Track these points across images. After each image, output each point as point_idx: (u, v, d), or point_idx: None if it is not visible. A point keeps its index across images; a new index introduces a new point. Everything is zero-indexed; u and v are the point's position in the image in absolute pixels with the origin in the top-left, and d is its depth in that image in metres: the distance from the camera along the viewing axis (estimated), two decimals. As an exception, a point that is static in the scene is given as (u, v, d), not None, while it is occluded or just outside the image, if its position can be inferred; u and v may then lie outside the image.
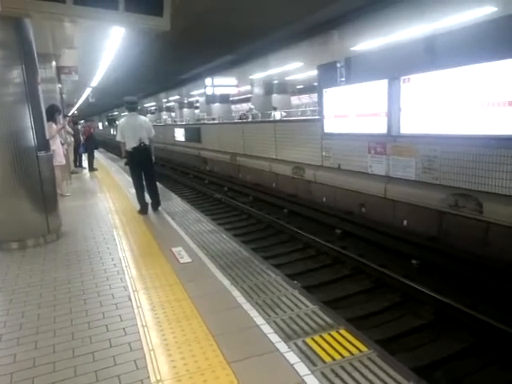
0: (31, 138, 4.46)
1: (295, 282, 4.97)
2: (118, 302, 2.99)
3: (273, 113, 15.45)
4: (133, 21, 4.19)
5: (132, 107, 5.75)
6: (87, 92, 18.60)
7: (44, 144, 4.67)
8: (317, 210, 7.85)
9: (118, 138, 5.66)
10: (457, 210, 5.26)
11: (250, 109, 17.82)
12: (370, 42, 9.54)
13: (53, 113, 7.28)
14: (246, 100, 23.18)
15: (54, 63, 9.33)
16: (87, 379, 2.10)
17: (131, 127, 5.57)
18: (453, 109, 5.37)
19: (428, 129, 5.75)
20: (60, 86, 11.19)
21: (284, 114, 15.63)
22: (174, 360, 2.21)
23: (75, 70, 10.32)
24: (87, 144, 12.16)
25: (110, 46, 8.78)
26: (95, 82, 15.14)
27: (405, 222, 6.22)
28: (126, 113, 5.98)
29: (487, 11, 7.22)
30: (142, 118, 5.88)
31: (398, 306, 4.39)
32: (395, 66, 6.55)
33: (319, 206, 8.03)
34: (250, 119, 16.01)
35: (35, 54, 4.57)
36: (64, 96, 14.34)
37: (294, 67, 14.52)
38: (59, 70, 10.05)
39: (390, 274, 4.84)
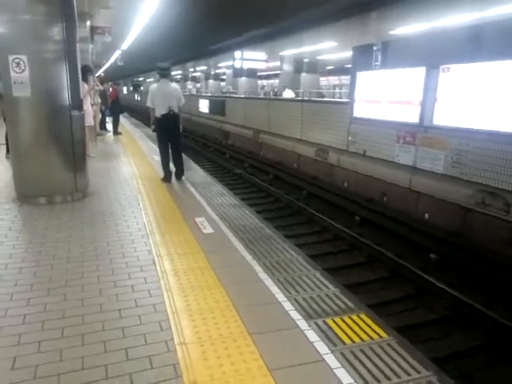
0: (66, 96, 4.50)
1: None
2: (143, 264, 3.07)
3: (284, 92, 15.20)
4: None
5: (164, 73, 5.72)
6: (116, 54, 18.54)
7: (78, 103, 4.72)
8: (337, 194, 7.80)
9: (148, 104, 5.67)
10: (483, 207, 5.17)
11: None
12: (410, 26, 9.19)
13: (85, 73, 7.31)
14: (274, 76, 22.81)
15: (88, 23, 9.30)
16: (115, 334, 2.18)
17: (162, 94, 5.56)
18: (491, 104, 5.20)
19: (462, 122, 5.59)
20: (92, 46, 11.19)
21: (292, 93, 15.24)
22: (196, 325, 2.28)
23: (109, 30, 10.27)
24: (112, 107, 12.19)
25: (145, 9, 8.67)
26: (126, 44, 15.07)
27: (426, 215, 6.14)
28: (151, 79, 5.94)
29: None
30: (173, 85, 5.86)
31: (412, 298, 4.40)
32: (435, 53, 6.33)
33: (340, 191, 7.97)
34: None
35: (75, 12, 4.57)
36: (94, 57, 14.34)
37: (327, 46, 14.15)
38: (93, 29, 10.03)
39: (407, 265, 4.83)
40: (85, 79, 7.19)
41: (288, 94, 14.99)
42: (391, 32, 9.52)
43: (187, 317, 2.36)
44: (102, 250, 3.32)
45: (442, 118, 5.92)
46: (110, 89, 12.57)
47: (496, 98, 5.15)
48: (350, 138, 8.10)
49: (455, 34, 6.66)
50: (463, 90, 5.58)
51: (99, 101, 10.32)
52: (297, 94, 14.13)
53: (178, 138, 5.87)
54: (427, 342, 3.63)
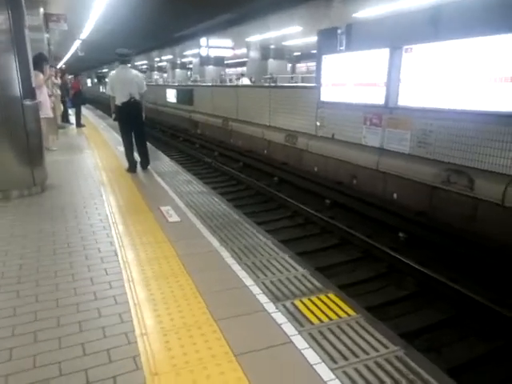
0: (17, 85, 4.23)
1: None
2: (104, 256, 2.93)
3: (241, 79, 15.17)
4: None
5: (124, 59, 5.48)
6: (76, 44, 17.80)
7: (30, 92, 4.45)
8: (308, 179, 7.80)
9: (108, 92, 5.43)
10: (448, 185, 5.26)
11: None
12: (373, 8, 9.21)
13: (40, 61, 6.93)
14: (242, 64, 22.56)
15: (41, 10, 8.81)
16: (70, 329, 2.06)
17: (122, 81, 5.33)
18: (452, 82, 5.26)
19: (426, 102, 5.65)
20: (47, 35, 10.64)
21: (248, 80, 15.36)
22: (160, 315, 2.18)
23: (64, 18, 9.77)
24: (74, 99, 11.72)
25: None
26: (85, 33, 14.46)
27: (395, 196, 6.22)
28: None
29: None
30: (134, 71, 5.63)
31: (384, 277, 4.44)
32: (398, 35, 6.36)
33: (310, 176, 7.97)
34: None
35: (22, -1, 4.28)
36: (52, 47, 13.69)
37: (292, 31, 14.05)
38: (47, 17, 9.51)
39: (377, 245, 4.87)
40: (40, 68, 6.82)
41: (245, 81, 14.92)
42: (354, 15, 9.52)
43: (150, 307, 2.26)
44: (61, 243, 3.15)
45: (407, 98, 5.96)
46: (70, 78, 12.07)
47: (456, 77, 5.22)
48: (318, 123, 8.08)
49: (416, 14, 6.71)
50: (426, 70, 5.62)
51: (59, 92, 9.88)
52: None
53: (141, 126, 5.67)
54: (397, 318, 3.67)
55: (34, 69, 6.55)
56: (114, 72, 5.50)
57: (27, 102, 4.37)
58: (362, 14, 9.55)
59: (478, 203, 4.94)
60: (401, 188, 6.11)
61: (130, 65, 5.65)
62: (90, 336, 2.00)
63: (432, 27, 6.02)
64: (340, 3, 9.08)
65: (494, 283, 4.07)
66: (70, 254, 2.96)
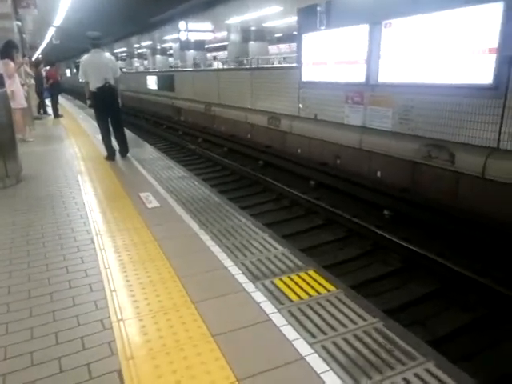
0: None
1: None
2: (80, 244, 2.85)
3: (214, 63, 15.07)
4: None
5: (95, 43, 5.29)
6: (51, 32, 17.23)
7: (-4, 80, 4.27)
8: (292, 161, 7.76)
9: (81, 78, 5.25)
10: (429, 160, 5.27)
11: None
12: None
13: (10, 49, 6.67)
14: (223, 48, 22.19)
15: (9, -5, 8.45)
16: (43, 319, 1.99)
17: (95, 65, 5.16)
18: (432, 56, 5.22)
19: (406, 78, 5.61)
20: (19, 23, 10.24)
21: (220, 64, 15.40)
22: (136, 300, 2.13)
23: (34, 2, 9.39)
24: (51, 89, 11.39)
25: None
26: (59, 20, 13.98)
27: (379, 174, 6.22)
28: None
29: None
30: (107, 55, 5.44)
31: (369, 254, 4.45)
32: (378, 10, 6.25)
33: (294, 158, 7.93)
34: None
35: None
36: (25, 36, 13.22)
37: (272, 11, 13.79)
38: (16, 3, 9.14)
39: (363, 223, 4.87)
40: (9, 56, 6.57)
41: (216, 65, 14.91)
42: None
43: (126, 293, 2.20)
44: (35, 234, 3.06)
45: (387, 75, 5.91)
46: (45, 68, 11.72)
47: (435, 51, 5.17)
48: (300, 103, 8.00)
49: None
50: (405, 45, 5.56)
51: (32, 82, 9.57)
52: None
53: (117, 112, 5.51)
54: (382, 294, 3.69)
55: (3, 57, 6.36)
56: (86, 56, 5.31)
57: (-5, 91, 4.20)
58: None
59: (460, 177, 4.96)
60: (384, 166, 6.11)
61: (101, 49, 5.46)
62: (64, 325, 1.94)
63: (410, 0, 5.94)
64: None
65: (479, 255, 4.11)
66: (44, 244, 2.88)
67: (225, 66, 14.54)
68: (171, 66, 19.21)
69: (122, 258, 2.60)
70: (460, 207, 4.95)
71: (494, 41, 4.44)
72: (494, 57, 4.46)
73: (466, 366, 2.57)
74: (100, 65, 5.17)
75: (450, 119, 5.10)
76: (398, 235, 4.49)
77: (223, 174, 7.93)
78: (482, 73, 4.60)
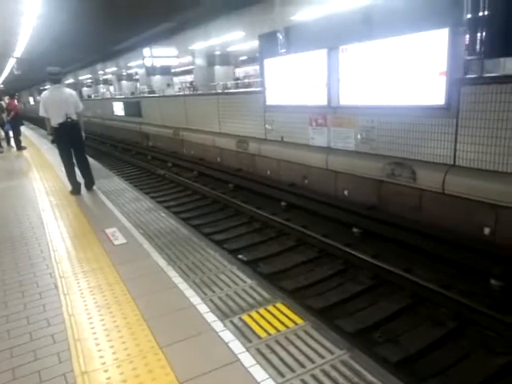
0: None
1: (240, 256, 4.99)
2: (43, 290, 2.76)
3: (167, 90, 15.50)
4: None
5: (55, 79, 5.23)
6: (11, 63, 16.89)
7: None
8: (262, 183, 7.82)
9: (41, 113, 5.16)
10: (393, 178, 5.44)
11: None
12: (309, 10, 9.40)
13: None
14: (189, 72, 22.36)
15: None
16: (2, 378, 1.90)
17: (55, 101, 5.08)
18: (387, 79, 5.45)
19: (365, 100, 5.82)
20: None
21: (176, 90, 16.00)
22: (101, 349, 2.07)
23: (-9, 37, 9.21)
24: (13, 121, 11.10)
25: (29, 11, 7.91)
26: (19, 51, 13.74)
27: (346, 192, 6.36)
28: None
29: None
30: (68, 90, 5.38)
31: (341, 274, 4.50)
32: (335, 35, 6.52)
33: (264, 180, 8.00)
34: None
35: None
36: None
37: (235, 37, 14.09)
38: (-28, 36, 8.94)
39: (333, 243, 4.94)
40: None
41: (169, 91, 15.67)
42: (292, 17, 9.67)
43: (91, 341, 2.14)
44: (-6, 281, 2.94)
45: (347, 97, 6.12)
46: (6, 100, 11.43)
47: (390, 74, 5.41)
48: (267, 126, 8.13)
49: (351, 15, 6.91)
50: (361, 69, 5.80)
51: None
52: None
53: (81, 146, 5.43)
54: (355, 314, 3.73)
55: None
56: (46, 93, 5.23)
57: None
58: (300, 16, 9.73)
59: (422, 193, 5.14)
60: (351, 184, 6.25)
61: (61, 84, 5.40)
62: (25, 382, 1.86)
63: (365, 27, 6.22)
64: (278, 7, 9.18)
65: (443, 268, 4.24)
66: (4, 292, 2.76)
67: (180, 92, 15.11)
68: (141, 92, 19.22)
69: (86, 303, 2.53)
70: (424, 222, 5.11)
71: (443, 64, 4.70)
72: (444, 79, 4.71)
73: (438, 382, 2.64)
74: (61, 100, 5.10)
75: (409, 138, 5.32)
76: (368, 253, 4.58)
77: (194, 198, 7.88)
78: (435, 94, 4.85)
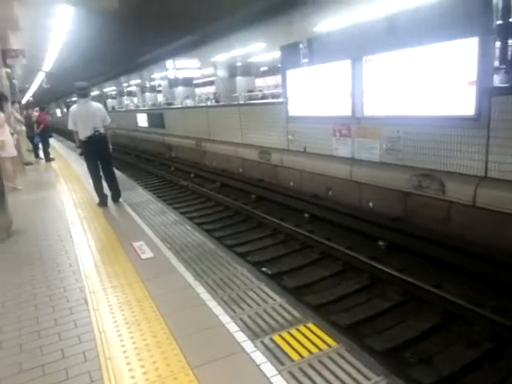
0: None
1: (264, 269, 4.95)
2: (73, 305, 2.78)
3: (184, 101, 15.78)
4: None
5: (83, 93, 5.37)
6: (41, 77, 17.50)
7: (-14, 135, 4.29)
8: (284, 194, 7.78)
9: (70, 127, 5.29)
10: (420, 190, 5.31)
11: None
12: (331, 21, 9.40)
13: (-1, 101, 6.76)
14: (210, 83, 22.64)
15: (-2, 47, 8.64)
16: (35, 397, 1.92)
17: (83, 115, 5.21)
18: (414, 89, 5.35)
19: (390, 110, 5.73)
20: (8, 70, 10.42)
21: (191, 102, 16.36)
22: (132, 369, 2.06)
23: (22, 53, 9.58)
24: (42, 134, 11.45)
25: (59, 27, 8.19)
26: (48, 66, 14.23)
27: (371, 204, 6.25)
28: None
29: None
30: (95, 104, 5.51)
31: (367, 289, 4.40)
32: (359, 46, 6.45)
33: (287, 191, 7.96)
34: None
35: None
36: (15, 81, 13.41)
37: (257, 48, 14.20)
38: (5, 53, 9.32)
39: (358, 256, 4.84)
40: (0, 107, 6.64)
41: (189, 103, 16.37)
42: (314, 28, 9.68)
43: (121, 360, 2.13)
44: (26, 296, 2.98)
45: (372, 107, 6.04)
46: (36, 113, 11.81)
47: (416, 84, 5.31)
48: (289, 137, 8.10)
49: (375, 24, 6.83)
50: (386, 79, 5.72)
51: (23, 128, 9.64)
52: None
53: (108, 159, 5.54)
54: (385, 332, 3.63)
55: (-7, 109, 6.42)
56: (74, 107, 5.37)
57: (-16, 147, 4.20)
58: (321, 27, 9.73)
59: (451, 206, 4.99)
60: (376, 196, 6.14)
61: (89, 98, 5.53)
62: (57, 402, 1.87)
63: (389, 37, 6.14)
64: (300, 18, 9.22)
65: (475, 284, 4.09)
66: (36, 306, 2.80)
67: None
68: (165, 103, 19.72)
69: (116, 320, 2.54)
70: (452, 234, 4.95)
71: (473, 74, 4.58)
72: (473, 89, 4.59)
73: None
74: (88, 114, 5.23)
75: (437, 149, 5.19)
76: (395, 267, 4.47)
77: (217, 209, 7.90)
78: (464, 104, 4.72)
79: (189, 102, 16.66)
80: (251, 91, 16.27)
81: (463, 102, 4.74)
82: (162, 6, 8.34)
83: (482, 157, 4.66)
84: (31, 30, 8.25)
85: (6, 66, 9.74)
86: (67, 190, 6.79)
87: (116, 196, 5.70)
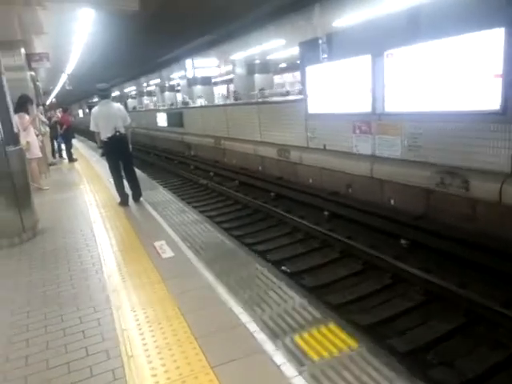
0: (-3, 132, 4.19)
1: (283, 267, 4.93)
2: (96, 304, 2.84)
3: (198, 100, 15.80)
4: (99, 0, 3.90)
5: (104, 94, 5.48)
6: (63, 79, 17.93)
7: (12, 137, 4.41)
8: (304, 192, 7.73)
9: (92, 128, 5.40)
10: (443, 187, 5.18)
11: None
12: (351, 16, 9.25)
13: (24, 103, 6.94)
14: (229, 81, 22.68)
15: (22, 50, 8.85)
16: (61, 394, 1.97)
17: (105, 116, 5.31)
18: (436, 84, 5.22)
19: (412, 106, 5.61)
20: (33, 73, 10.70)
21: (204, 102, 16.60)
22: (154, 367, 2.09)
23: (47, 56, 9.83)
24: (65, 134, 11.73)
25: (81, 30, 8.36)
26: (70, 68, 14.56)
27: (392, 202, 6.14)
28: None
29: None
30: (116, 105, 5.61)
31: (389, 288, 4.33)
32: (379, 40, 6.33)
33: (306, 188, 7.91)
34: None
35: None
36: (39, 84, 13.77)
37: (275, 45, 14.13)
38: (29, 57, 9.57)
39: (379, 255, 4.77)
40: (25, 109, 6.83)
41: (201, 102, 16.78)
42: (334, 24, 9.56)
43: (143, 359, 2.17)
44: (52, 294, 3.07)
45: (393, 103, 5.93)
46: (59, 114, 12.11)
47: (439, 78, 5.18)
48: (308, 134, 8.05)
49: (395, 18, 6.69)
50: (408, 74, 5.60)
51: (47, 129, 9.89)
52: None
53: (128, 158, 5.63)
54: (406, 333, 3.57)
55: (20, 111, 6.60)
56: (95, 108, 5.48)
57: (10, 148, 4.32)
58: (341, 22, 9.60)
59: (476, 203, 4.86)
60: (397, 193, 6.03)
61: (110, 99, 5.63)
62: (82, 399, 1.91)
63: (411, 29, 6.01)
64: (319, 13, 9.11)
65: (501, 284, 3.97)
66: (60, 305, 2.87)
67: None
68: (183, 102, 19.98)
69: (138, 318, 2.58)
70: (477, 232, 4.82)
71: (499, 66, 4.43)
72: (499, 82, 4.44)
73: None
74: (109, 115, 5.32)
75: (460, 145, 5.05)
76: (417, 266, 4.38)
77: (235, 208, 7.92)
78: (489, 99, 4.58)
79: (202, 102, 16.74)
80: (262, 89, 16.38)
81: (488, 96, 4.59)
82: (180, 7, 8.40)
83: (508, 153, 4.51)
84: (55, 34, 8.45)
85: (31, 69, 10.01)
86: (89, 190, 6.94)
87: (137, 195, 5.79)
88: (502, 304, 3.55)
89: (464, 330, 3.49)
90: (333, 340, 2.17)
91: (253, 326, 2.37)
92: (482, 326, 3.49)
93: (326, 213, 6.57)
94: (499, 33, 4.42)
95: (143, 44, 12.64)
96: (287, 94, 15.10)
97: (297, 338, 2.21)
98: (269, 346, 2.17)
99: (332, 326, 2.31)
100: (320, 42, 7.88)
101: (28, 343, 2.44)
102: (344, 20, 9.55)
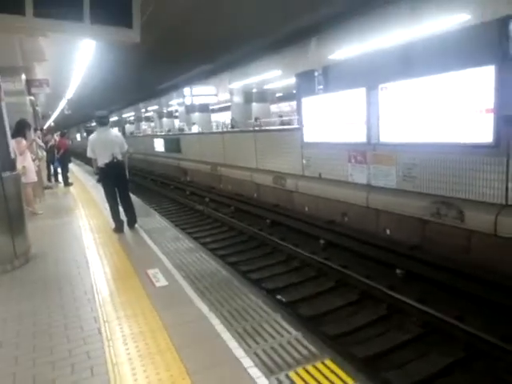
0: (-7, 158, 4.20)
1: (279, 296, 4.87)
2: (87, 335, 2.77)
3: (193, 127, 16.07)
4: (100, 33, 3.99)
5: (103, 121, 5.53)
6: (63, 103, 18.15)
7: (9, 163, 4.41)
8: (299, 219, 7.73)
9: (89, 154, 5.42)
10: (438, 218, 5.21)
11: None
12: (346, 49, 9.53)
13: (22, 128, 6.97)
14: (226, 109, 23.04)
15: (23, 76, 9.01)
16: (47, 433, 1.89)
17: (102, 142, 5.35)
18: (430, 116, 5.34)
19: (406, 137, 5.72)
20: (32, 98, 10.84)
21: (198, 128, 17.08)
22: (145, 405, 2.02)
23: (46, 82, 10.00)
24: (62, 158, 11.75)
25: (82, 58, 8.54)
26: (70, 93, 14.77)
27: (388, 231, 6.15)
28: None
29: (461, 19, 7.27)
30: (114, 132, 5.66)
31: (385, 319, 4.28)
32: (373, 73, 6.53)
33: (302, 216, 7.91)
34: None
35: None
36: (38, 108, 13.92)
37: (272, 75, 14.48)
38: (29, 82, 9.72)
39: (375, 285, 4.74)
40: (23, 134, 6.85)
41: (195, 128, 17.14)
42: (330, 56, 9.83)
43: (134, 395, 2.10)
44: (41, 325, 2.98)
45: (388, 134, 6.03)
46: (56, 138, 12.17)
47: (433, 112, 5.31)
48: (304, 163, 8.12)
49: (389, 53, 6.92)
50: (402, 107, 5.73)
51: (44, 154, 9.91)
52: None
53: (125, 185, 5.62)
54: (405, 366, 3.50)
55: (17, 136, 6.63)
56: (93, 135, 5.52)
57: (6, 174, 4.31)
58: (337, 55, 9.88)
59: (471, 234, 4.87)
60: (393, 223, 6.05)
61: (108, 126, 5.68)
62: None
63: (404, 64, 6.20)
64: (316, 46, 9.38)
65: (500, 317, 3.93)
66: (50, 336, 2.80)
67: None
68: (180, 129, 20.20)
69: (129, 352, 2.51)
70: (472, 264, 4.81)
71: (490, 101, 4.55)
72: (491, 116, 4.55)
73: None
74: (107, 142, 5.36)
75: (454, 176, 5.12)
76: (413, 297, 4.34)
77: (230, 234, 7.88)
78: (481, 132, 4.68)
79: (196, 128, 17.01)
80: (256, 119, 16.71)
81: (481, 130, 4.70)
82: (180, 39, 8.62)
83: (502, 184, 4.57)
84: (56, 61, 8.62)
85: (30, 94, 10.15)
86: (84, 215, 6.89)
87: (132, 222, 5.75)
88: (502, 338, 3.51)
89: (463, 364, 3.43)
90: (329, 377, 2.12)
91: (247, 361, 2.31)
92: (482, 361, 3.43)
93: (321, 241, 6.56)
94: (490, 70, 4.57)
95: (142, 72, 12.89)
96: (282, 124, 15.35)
97: (292, 375, 2.16)
98: (263, 382, 2.11)
99: (328, 361, 2.26)
100: (316, 73, 8.10)
101: (14, 377, 2.35)
102: (339, 53, 9.84)
